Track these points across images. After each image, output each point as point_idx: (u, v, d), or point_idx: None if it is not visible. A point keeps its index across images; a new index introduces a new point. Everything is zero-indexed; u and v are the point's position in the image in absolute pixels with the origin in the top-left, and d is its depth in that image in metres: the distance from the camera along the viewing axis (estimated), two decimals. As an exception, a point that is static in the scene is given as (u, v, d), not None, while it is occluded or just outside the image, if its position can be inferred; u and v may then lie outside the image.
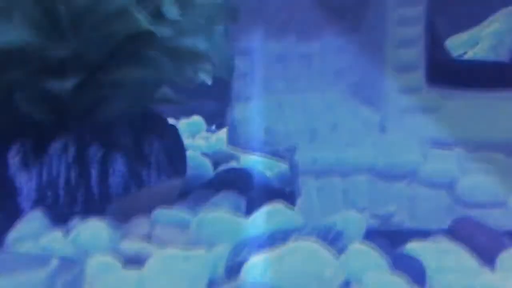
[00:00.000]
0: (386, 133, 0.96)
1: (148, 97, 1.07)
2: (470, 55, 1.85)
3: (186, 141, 1.45)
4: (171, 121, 1.32)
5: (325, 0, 1.01)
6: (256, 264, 0.68)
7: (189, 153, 1.28)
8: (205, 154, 1.53)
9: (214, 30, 1.01)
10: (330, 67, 1.02)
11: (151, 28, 0.90)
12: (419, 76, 0.97)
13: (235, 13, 1.01)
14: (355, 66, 1.02)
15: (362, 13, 1.00)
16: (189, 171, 1.24)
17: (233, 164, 1.43)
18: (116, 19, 0.90)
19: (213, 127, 2.16)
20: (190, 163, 1.24)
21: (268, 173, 1.34)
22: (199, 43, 1.00)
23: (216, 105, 2.15)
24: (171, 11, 0.92)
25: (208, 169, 1.37)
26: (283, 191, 1.16)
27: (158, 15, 0.94)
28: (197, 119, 2.08)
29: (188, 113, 2.11)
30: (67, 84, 0.88)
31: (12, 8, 0.82)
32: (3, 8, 0.81)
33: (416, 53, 0.98)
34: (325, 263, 0.62)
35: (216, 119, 2.15)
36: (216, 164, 1.43)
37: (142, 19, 0.89)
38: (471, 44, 1.84)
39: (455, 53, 1.84)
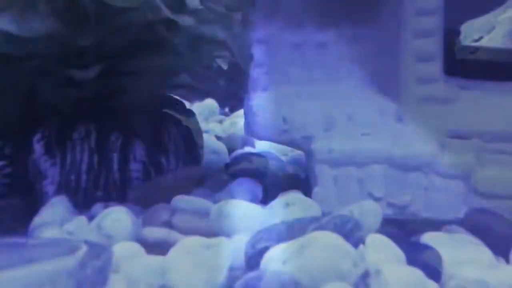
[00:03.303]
0: (402, 123, 0.97)
1: (167, 84, 1.09)
2: (485, 40, 1.84)
3: (201, 124, 1.47)
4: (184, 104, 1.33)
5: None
6: (276, 254, 0.70)
7: (204, 137, 1.29)
8: (219, 138, 1.55)
9: (232, 19, 1.02)
10: (346, 57, 1.03)
11: (173, 17, 0.91)
12: (436, 66, 0.98)
13: (253, 3, 1.01)
14: (372, 56, 1.02)
15: (379, 3, 1.00)
16: (205, 156, 1.26)
17: (248, 149, 1.45)
18: (138, 8, 0.91)
19: (226, 109, 2.17)
20: (205, 147, 1.26)
21: (283, 158, 1.36)
22: (218, 32, 1.01)
23: (229, 86, 2.16)
24: (193, 0, 0.93)
25: (224, 154, 1.39)
26: (299, 177, 1.18)
27: (179, 4, 0.95)
28: (210, 101, 2.09)
29: (201, 96, 2.12)
30: (90, 72, 0.90)
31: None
32: (29, -1, 0.83)
33: (434, 43, 0.98)
34: (345, 255, 0.64)
35: (229, 101, 2.16)
36: (231, 148, 1.45)
37: (164, 8, 0.90)
38: (487, 29, 1.83)
39: (470, 38, 1.83)
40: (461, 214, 0.89)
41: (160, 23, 0.93)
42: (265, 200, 0.99)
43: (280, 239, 0.73)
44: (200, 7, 0.94)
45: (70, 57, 0.91)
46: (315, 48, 1.04)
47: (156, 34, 0.95)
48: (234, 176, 1.12)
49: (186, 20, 0.93)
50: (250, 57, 1.03)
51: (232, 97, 2.11)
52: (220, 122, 1.92)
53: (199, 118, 1.76)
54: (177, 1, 0.93)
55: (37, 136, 0.93)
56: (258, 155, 1.31)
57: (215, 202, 0.92)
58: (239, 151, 1.41)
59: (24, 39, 0.85)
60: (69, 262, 0.62)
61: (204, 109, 2.01)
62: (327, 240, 0.67)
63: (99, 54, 0.93)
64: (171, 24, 0.93)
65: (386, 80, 1.01)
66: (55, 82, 0.91)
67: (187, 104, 1.83)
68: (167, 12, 0.91)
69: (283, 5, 1.04)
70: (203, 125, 1.76)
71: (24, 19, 0.85)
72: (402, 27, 0.99)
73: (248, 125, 1.05)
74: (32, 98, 0.93)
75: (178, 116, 1.10)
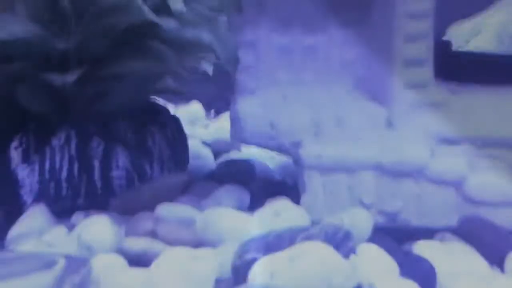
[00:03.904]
0: (392, 128, 0.95)
1: (150, 88, 1.05)
2: (473, 44, 1.83)
3: (185, 128, 1.44)
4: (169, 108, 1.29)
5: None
6: (264, 266, 0.67)
7: (189, 142, 1.26)
8: (205, 143, 1.52)
9: (218, 21, 0.99)
10: (336, 60, 1.01)
11: (156, 20, 0.88)
12: (427, 71, 0.96)
13: (239, 4, 0.99)
14: (362, 60, 1.00)
15: (370, 6, 0.98)
16: (191, 161, 1.22)
17: (234, 154, 1.42)
18: (120, 10, 0.87)
19: (212, 112, 2.14)
20: (191, 152, 1.23)
21: (270, 164, 1.33)
22: (203, 35, 0.98)
23: (214, 89, 2.13)
24: (176, 2, 0.90)
25: (210, 160, 1.36)
26: (286, 184, 1.15)
27: (162, 6, 0.92)
28: (195, 105, 2.06)
29: (186, 99, 2.08)
30: (70, 77, 0.86)
31: (15, 1, 0.80)
32: (6, 1, 0.79)
33: (424, 48, 0.96)
34: (336, 267, 0.61)
35: (214, 104, 2.13)
36: (216, 153, 1.41)
37: (147, 10, 0.87)
38: (474, 33, 1.82)
39: (457, 42, 1.82)
40: (453, 222, 0.87)
41: (143, 25, 0.89)
42: (252, 207, 0.96)
43: (268, 250, 0.71)
44: (184, 9, 0.91)
45: (49, 61, 0.88)
46: (303, 51, 1.02)
47: (139, 37, 0.92)
48: (220, 182, 1.09)
49: (169, 23, 0.90)
50: (236, 60, 1.00)
51: (218, 99, 2.08)
52: (206, 126, 1.89)
53: (184, 122, 1.72)
54: (160, 3, 0.90)
55: (14, 143, 0.90)
56: (245, 160, 1.28)
57: (201, 210, 0.89)
58: (225, 156, 1.38)
59: (0, 42, 0.81)
60: (46, 278, 0.59)
61: (189, 113, 1.98)
62: (318, 252, 0.65)
63: (79, 57, 0.90)
64: (154, 27, 0.90)
65: (376, 84, 0.99)
66: (33, 87, 0.87)
67: (172, 108, 1.80)
68: (150, 15, 0.88)
69: (270, 7, 1.01)
70: (188, 129, 1.73)
71: (1, 22, 0.81)
72: (392, 31, 0.97)
73: (234, 130, 1.02)
74: (10, 103, 0.89)
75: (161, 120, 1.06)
